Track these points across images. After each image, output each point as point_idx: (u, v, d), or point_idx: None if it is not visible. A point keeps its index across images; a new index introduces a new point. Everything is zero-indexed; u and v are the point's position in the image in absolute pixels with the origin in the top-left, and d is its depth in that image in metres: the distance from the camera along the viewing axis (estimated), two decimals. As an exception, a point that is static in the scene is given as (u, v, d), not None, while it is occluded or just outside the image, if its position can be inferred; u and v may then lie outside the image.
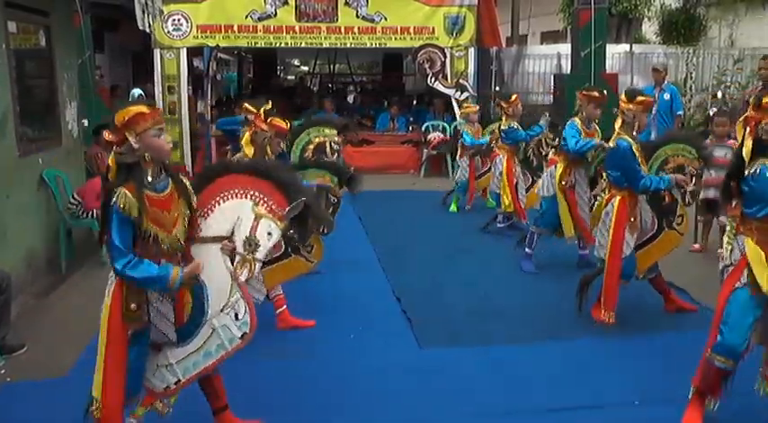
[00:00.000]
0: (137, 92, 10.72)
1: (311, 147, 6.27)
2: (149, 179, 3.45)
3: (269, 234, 3.60)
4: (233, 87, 20.96)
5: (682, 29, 19.21)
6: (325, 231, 5.47)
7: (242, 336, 3.63)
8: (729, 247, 4.19)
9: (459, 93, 13.64)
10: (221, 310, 3.60)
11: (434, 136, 13.90)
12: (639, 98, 5.56)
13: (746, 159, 3.93)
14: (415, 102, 17.62)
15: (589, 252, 7.19)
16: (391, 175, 13.61)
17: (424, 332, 5.65)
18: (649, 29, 21.25)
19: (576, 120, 6.79)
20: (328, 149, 6.29)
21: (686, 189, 5.71)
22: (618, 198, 5.60)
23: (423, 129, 14.38)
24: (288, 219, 3.65)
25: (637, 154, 5.47)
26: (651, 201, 5.76)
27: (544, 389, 4.73)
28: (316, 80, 22.88)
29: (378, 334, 5.67)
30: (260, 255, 3.61)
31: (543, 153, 8.32)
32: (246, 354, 4.38)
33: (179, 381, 3.66)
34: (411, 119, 15.50)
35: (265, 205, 3.64)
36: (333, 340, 5.52)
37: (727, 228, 4.36)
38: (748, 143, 3.92)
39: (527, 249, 7.34)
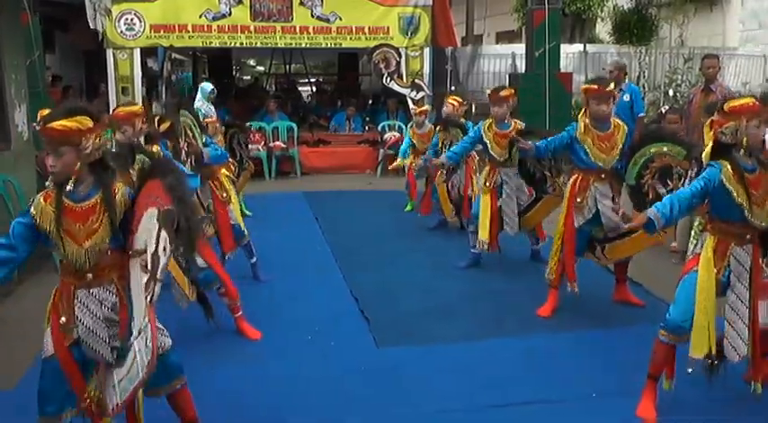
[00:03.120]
0: (208, 87, 10.55)
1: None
2: (69, 187, 3.24)
3: (164, 249, 3.20)
4: (188, 88, 20.79)
5: (634, 29, 19.46)
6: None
7: (147, 363, 3.37)
8: (695, 242, 4.37)
9: (414, 92, 13.69)
10: (139, 333, 3.27)
11: (390, 136, 13.91)
12: (583, 86, 5.90)
13: (704, 162, 4.09)
14: (370, 102, 17.63)
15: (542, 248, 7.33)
16: (348, 175, 13.60)
17: (382, 332, 5.63)
18: (603, 29, 21.49)
19: (484, 122, 7.00)
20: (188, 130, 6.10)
21: (674, 187, 5.72)
22: (573, 177, 5.87)
23: (379, 129, 14.38)
24: (171, 231, 3.22)
25: (580, 138, 5.71)
26: (632, 195, 5.77)
27: (502, 385, 4.74)
28: (271, 80, 22.79)
29: (335, 334, 5.64)
30: (159, 273, 3.20)
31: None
32: (194, 360, 4.34)
33: (118, 403, 3.38)
34: (367, 119, 15.50)
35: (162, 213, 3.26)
36: (289, 342, 5.47)
37: (696, 223, 4.50)
38: (708, 146, 4.06)
39: (472, 249, 7.36)
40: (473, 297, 6.54)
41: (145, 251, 3.16)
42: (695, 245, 4.33)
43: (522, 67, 14.86)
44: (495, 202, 7.02)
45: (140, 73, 12.95)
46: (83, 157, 3.22)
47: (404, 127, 14.04)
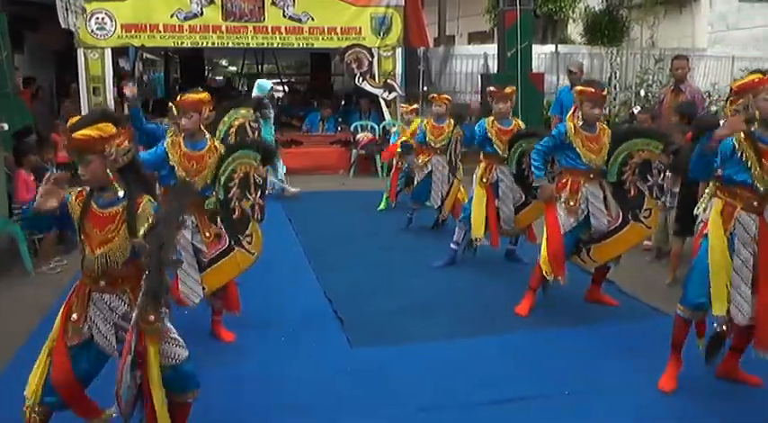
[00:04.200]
0: (267, 84, 10.46)
1: (233, 130, 6.15)
2: (97, 192, 3.32)
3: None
4: (160, 89, 20.66)
5: (605, 30, 19.59)
6: (260, 218, 5.30)
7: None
8: (703, 206, 4.51)
9: (387, 93, 13.70)
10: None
11: (363, 136, 13.90)
12: (578, 88, 5.91)
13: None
14: (343, 102, 17.60)
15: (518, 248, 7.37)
16: (321, 176, 13.56)
17: (356, 332, 5.63)
18: (574, 30, 21.61)
19: (487, 119, 7.06)
20: (248, 129, 6.17)
21: (654, 182, 5.77)
22: (562, 179, 5.91)
23: (351, 129, 14.36)
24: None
25: (570, 139, 5.73)
26: (615, 193, 5.83)
27: (475, 383, 4.75)
28: (244, 80, 22.70)
29: (309, 335, 5.62)
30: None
31: (457, 153, 8.20)
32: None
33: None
34: (340, 119, 15.48)
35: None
36: (263, 343, 5.45)
37: (707, 189, 4.58)
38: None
39: (452, 245, 7.40)
40: (447, 296, 6.55)
41: None
42: (704, 210, 4.48)
43: (494, 67, 14.90)
44: (492, 198, 7.04)
45: (112, 73, 12.83)
46: (109, 164, 3.26)
47: (376, 127, 14.06)
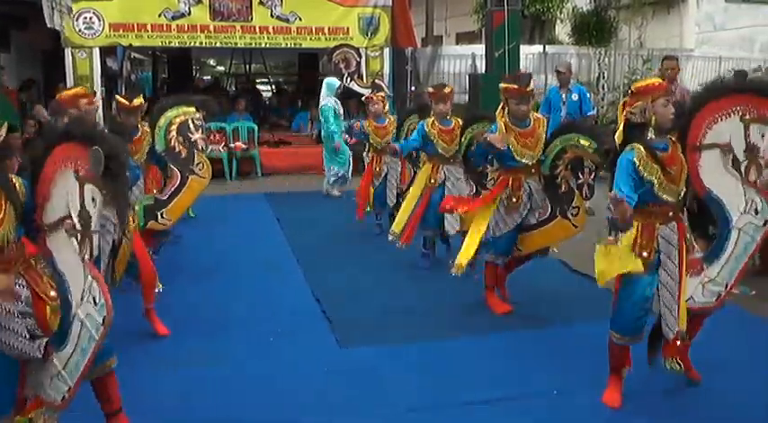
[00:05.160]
0: (335, 82, 10.80)
1: (173, 127, 6.24)
2: None
3: (93, 199, 3.25)
4: (148, 88, 20.57)
5: (593, 30, 19.64)
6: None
7: (103, 320, 3.31)
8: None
9: (374, 93, 13.66)
10: (82, 299, 3.29)
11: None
12: (502, 85, 5.84)
13: (617, 143, 4.26)
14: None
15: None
16: (309, 176, 13.54)
17: (344, 332, 5.62)
18: (562, 30, 21.67)
19: (426, 120, 7.04)
20: (191, 126, 6.26)
21: (585, 181, 5.75)
22: (501, 178, 5.94)
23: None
24: (97, 176, 3.24)
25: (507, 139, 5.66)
26: (546, 186, 5.80)
27: (464, 383, 4.75)
28: (231, 80, 22.64)
29: (297, 335, 5.61)
30: (94, 225, 3.27)
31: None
32: (153, 361, 4.29)
33: (69, 387, 3.37)
34: (328, 119, 15.43)
35: (82, 170, 3.27)
36: (251, 344, 5.43)
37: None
38: (620, 127, 4.23)
39: (423, 249, 7.43)
40: (434, 297, 6.54)
41: (68, 216, 3.23)
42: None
43: (482, 67, 14.92)
44: (426, 200, 7.04)
45: (99, 72, 12.79)
46: None
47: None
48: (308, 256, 7.85)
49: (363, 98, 9.17)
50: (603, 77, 16.45)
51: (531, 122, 5.79)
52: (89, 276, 3.30)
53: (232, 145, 13.42)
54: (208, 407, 4.42)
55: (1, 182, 3.28)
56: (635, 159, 4.07)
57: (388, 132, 8.48)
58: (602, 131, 6.23)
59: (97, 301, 3.30)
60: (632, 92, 4.27)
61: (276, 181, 13.03)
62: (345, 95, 15.09)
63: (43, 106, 13.83)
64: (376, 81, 13.62)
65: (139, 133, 6.16)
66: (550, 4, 19.49)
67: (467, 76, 15.43)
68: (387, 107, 8.66)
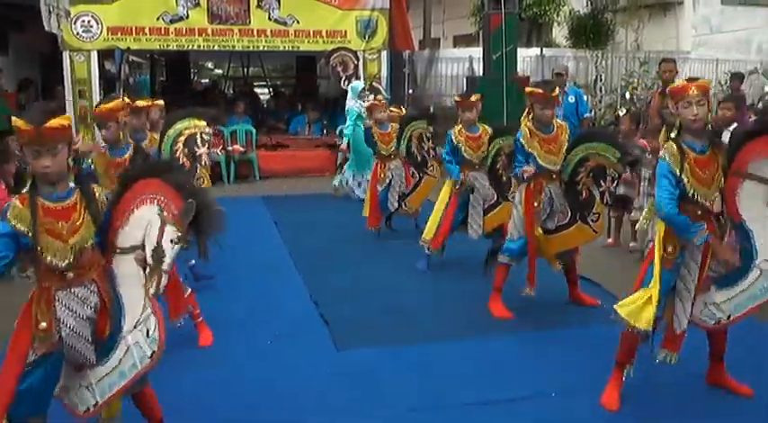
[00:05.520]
0: (359, 85, 10.83)
1: (181, 139, 6.24)
2: (45, 189, 3.32)
3: (172, 241, 3.34)
4: (146, 91, 20.52)
5: (590, 33, 19.72)
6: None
7: (151, 355, 3.42)
8: (645, 223, 4.71)
9: (372, 96, 13.67)
10: (135, 326, 3.40)
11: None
12: (527, 89, 5.97)
13: (662, 143, 4.37)
14: (329, 105, 17.57)
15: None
16: (307, 179, 13.56)
17: (342, 334, 5.62)
18: (559, 33, 21.72)
19: (454, 129, 7.05)
20: (199, 140, 6.26)
21: (606, 188, 5.79)
22: (523, 187, 5.89)
23: (337, 132, 14.35)
24: (184, 224, 3.38)
25: (527, 144, 5.76)
26: (567, 193, 5.84)
27: (461, 386, 4.76)
28: (229, 83, 22.64)
29: (295, 338, 5.62)
30: (166, 265, 3.34)
31: (425, 148, 8.24)
32: (160, 366, 4.28)
33: (97, 402, 3.46)
34: (326, 122, 15.47)
35: (168, 210, 3.38)
36: (249, 347, 5.44)
37: (645, 210, 4.72)
38: (662, 131, 4.43)
39: (432, 252, 7.41)
40: (433, 298, 6.57)
41: (140, 247, 3.34)
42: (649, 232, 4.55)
43: (479, 70, 14.95)
44: (453, 207, 7.06)
45: (98, 76, 12.79)
46: (71, 154, 3.32)
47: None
48: (306, 258, 7.85)
49: (367, 105, 9.18)
50: (601, 80, 16.50)
51: (555, 129, 5.86)
52: (148, 309, 3.40)
53: (230, 148, 13.41)
54: (207, 410, 4.43)
55: (83, 189, 3.40)
56: (667, 157, 4.14)
57: (392, 139, 8.53)
58: (627, 142, 6.31)
59: (150, 333, 3.39)
60: (669, 94, 4.37)
61: (274, 184, 13.04)
62: (344, 98, 15.15)
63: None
64: (373, 84, 13.64)
65: (147, 140, 6.07)
66: (547, 8, 19.56)
67: (464, 79, 15.45)
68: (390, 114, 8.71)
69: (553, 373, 4.93)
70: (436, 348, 5.38)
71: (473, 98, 7.04)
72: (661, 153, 4.20)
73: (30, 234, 3.25)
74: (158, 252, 3.31)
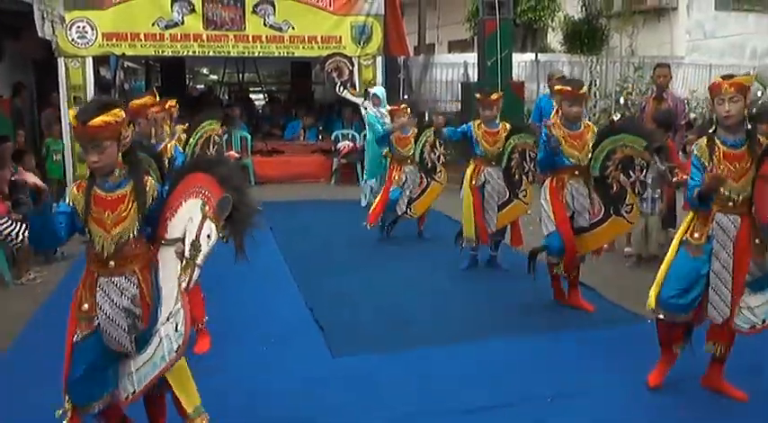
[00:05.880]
0: (382, 91, 10.89)
1: (201, 141, 6.34)
2: (101, 178, 3.42)
3: (208, 237, 3.34)
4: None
5: (585, 38, 19.72)
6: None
7: (177, 348, 3.41)
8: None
9: (368, 102, 13.71)
10: (168, 319, 3.42)
11: (344, 145, 13.92)
12: (557, 87, 6.27)
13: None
14: (324, 110, 17.59)
15: (480, 253, 7.54)
16: (302, 185, 13.57)
17: (337, 341, 5.62)
18: (554, 38, 21.74)
19: (473, 122, 7.25)
20: (210, 144, 6.36)
21: (636, 178, 5.84)
22: (546, 183, 6.10)
23: (332, 138, 14.37)
24: (221, 219, 3.37)
25: (559, 140, 5.88)
26: (598, 187, 5.92)
27: (458, 390, 4.76)
28: (225, 89, 22.66)
29: (290, 345, 5.62)
30: (200, 260, 3.36)
31: (436, 154, 8.56)
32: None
33: (135, 390, 3.51)
34: (321, 128, 15.49)
35: (210, 205, 3.37)
36: (244, 354, 5.43)
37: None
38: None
39: (470, 251, 7.53)
40: (428, 303, 6.57)
41: (181, 239, 3.37)
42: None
43: (474, 75, 14.95)
44: (479, 199, 7.17)
45: (93, 82, 12.78)
46: (121, 149, 3.40)
47: (357, 136, 14.08)
48: (301, 264, 7.86)
49: (388, 110, 9.22)
50: (595, 85, 16.50)
51: (582, 127, 6.05)
52: (180, 302, 3.40)
53: (225, 154, 13.40)
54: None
55: (136, 181, 3.46)
56: (696, 151, 4.28)
57: (410, 142, 8.61)
58: (651, 130, 6.41)
59: (179, 328, 3.39)
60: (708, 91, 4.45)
61: (269, 190, 13.02)
62: (340, 104, 15.19)
63: (36, 113, 13.86)
64: (368, 90, 13.67)
65: (163, 145, 5.91)
66: (542, 13, 19.59)
67: (459, 85, 15.46)
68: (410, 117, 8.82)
69: (550, 376, 4.94)
70: (432, 353, 5.38)
71: (494, 96, 7.23)
72: (692, 146, 4.38)
73: (82, 219, 3.40)
74: (195, 246, 3.33)
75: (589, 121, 13.24)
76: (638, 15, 19.85)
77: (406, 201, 8.61)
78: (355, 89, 13.82)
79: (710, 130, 4.30)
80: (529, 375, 4.99)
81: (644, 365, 4.67)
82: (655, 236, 7.46)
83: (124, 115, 3.38)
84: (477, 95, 7.39)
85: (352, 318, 6.18)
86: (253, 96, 21.98)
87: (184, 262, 3.36)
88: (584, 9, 20.50)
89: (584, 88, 6.16)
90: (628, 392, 4.53)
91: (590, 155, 5.88)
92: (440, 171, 8.57)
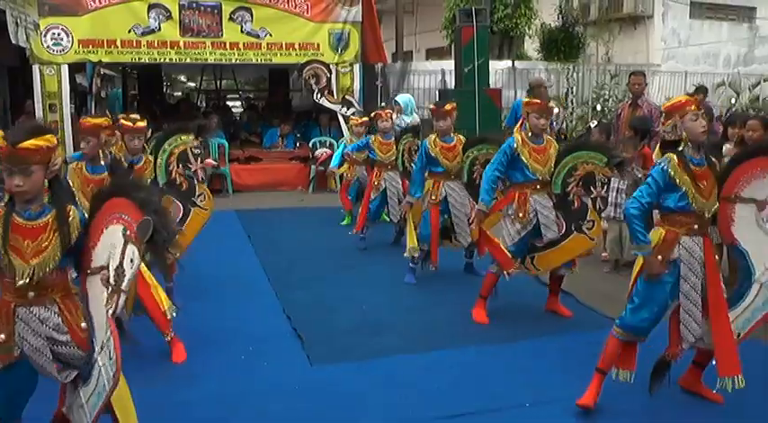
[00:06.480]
0: (406, 97, 10.88)
1: (173, 158, 6.26)
2: (21, 205, 3.29)
3: (131, 261, 3.21)
4: (118, 105, 20.38)
5: (561, 46, 19.88)
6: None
7: (113, 375, 3.27)
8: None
9: (345, 108, 13.73)
10: (102, 348, 3.31)
11: (322, 152, 13.90)
12: (524, 99, 6.27)
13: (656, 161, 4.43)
14: (301, 117, 17.57)
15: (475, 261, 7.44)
16: (280, 192, 13.54)
17: (315, 349, 5.59)
18: (530, 46, 21.88)
19: (429, 138, 7.11)
20: (191, 156, 6.29)
21: (597, 195, 5.88)
22: (509, 192, 6.08)
23: (310, 145, 14.36)
24: (142, 242, 3.25)
25: (519, 151, 5.87)
26: (559, 204, 5.94)
27: (436, 398, 4.75)
28: (202, 96, 22.58)
29: (268, 353, 5.57)
30: (125, 285, 3.22)
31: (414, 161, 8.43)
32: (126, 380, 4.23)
33: (88, 422, 3.38)
34: (299, 135, 15.47)
35: (131, 230, 3.25)
36: (222, 363, 5.38)
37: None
38: (657, 146, 4.55)
39: (410, 264, 7.43)
40: (406, 311, 6.56)
41: (106, 267, 3.23)
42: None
43: (451, 82, 15.01)
44: (436, 216, 7.09)
45: (69, 89, 12.70)
46: (48, 175, 3.29)
47: (335, 142, 14.07)
48: (280, 273, 7.82)
49: (372, 114, 9.23)
50: (572, 93, 16.63)
51: (545, 141, 5.99)
52: (109, 330, 3.29)
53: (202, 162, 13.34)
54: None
55: (58, 211, 3.34)
56: (669, 168, 4.22)
57: (391, 148, 8.57)
58: (610, 146, 6.46)
59: (111, 355, 3.29)
60: (663, 112, 4.47)
61: (247, 198, 13.00)
62: (317, 111, 15.18)
63: (10, 122, 13.74)
64: (346, 97, 13.69)
65: (143, 162, 6.06)
66: (519, 21, 19.68)
67: (436, 92, 15.51)
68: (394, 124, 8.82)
69: (528, 383, 4.94)
70: (411, 361, 5.38)
71: (447, 107, 7.06)
72: (660, 161, 4.29)
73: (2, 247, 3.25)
74: (119, 272, 3.22)
75: (566, 127, 13.42)
76: (614, 23, 20.06)
77: (396, 207, 8.56)
78: (333, 96, 13.82)
79: (680, 149, 4.28)
80: (506, 382, 4.99)
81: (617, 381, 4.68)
82: (629, 243, 7.49)
83: (56, 142, 3.28)
84: (431, 106, 7.35)
85: (330, 326, 6.16)
86: (230, 103, 21.94)
87: (110, 289, 3.24)
88: (560, 17, 20.66)
89: (553, 103, 6.25)
90: (607, 399, 4.54)
91: (552, 169, 5.93)
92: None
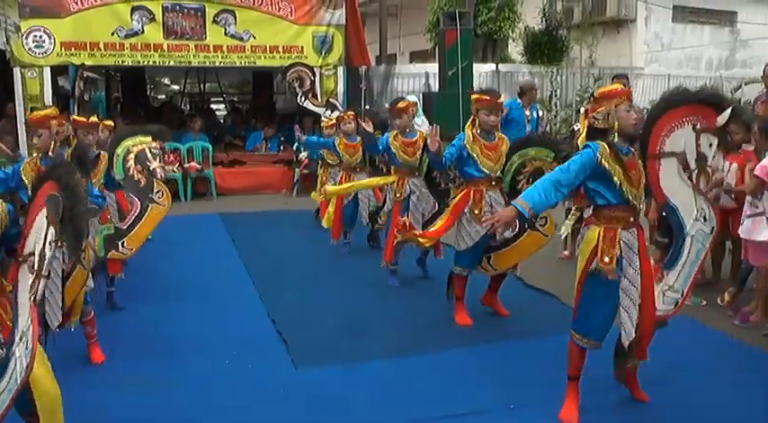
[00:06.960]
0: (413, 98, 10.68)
1: (131, 156, 6.29)
2: None
3: (50, 244, 3.16)
4: (101, 108, 20.28)
5: (545, 49, 19.95)
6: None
7: (26, 366, 3.09)
8: (565, 230, 4.59)
9: (329, 111, 13.69)
10: (20, 339, 3.16)
11: (305, 155, 13.86)
12: (474, 96, 6.11)
13: (580, 147, 4.41)
14: (285, 120, 17.53)
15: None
16: (263, 196, 13.51)
17: (300, 353, 5.58)
18: (514, 49, 21.95)
19: (390, 133, 7.16)
20: (149, 155, 6.32)
21: None
22: (463, 189, 6.04)
23: (294, 148, 14.33)
24: (55, 222, 3.17)
25: (469, 147, 5.88)
26: (509, 202, 5.89)
27: (420, 400, 4.75)
28: (186, 99, 22.51)
29: (253, 357, 5.55)
30: (44, 270, 3.16)
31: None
32: (106, 385, 4.21)
33: None
34: (282, 138, 15.44)
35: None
36: (206, 366, 5.36)
37: (568, 221, 4.93)
38: (583, 132, 4.26)
39: (390, 266, 7.42)
40: (390, 314, 6.55)
41: (33, 253, 3.17)
42: (577, 244, 4.52)
43: (435, 85, 15.04)
44: (398, 214, 7.06)
45: (51, 92, 12.61)
46: None
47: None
48: (264, 276, 7.80)
49: (336, 117, 9.21)
50: (556, 95, 16.71)
51: (497, 138, 5.98)
52: (30, 318, 3.17)
53: (186, 165, 13.33)
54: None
55: None
56: (597, 153, 4.13)
57: (357, 150, 8.53)
58: (556, 139, 6.41)
59: (28, 345, 3.15)
60: (595, 97, 4.37)
61: (231, 201, 12.97)
62: (301, 114, 15.15)
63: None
64: (330, 100, 13.67)
65: (98, 157, 6.17)
66: (502, 24, 19.76)
67: (420, 95, 15.53)
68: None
69: (510, 385, 4.95)
70: (394, 364, 5.37)
71: (401, 105, 7.11)
72: (591, 145, 4.20)
73: None
74: (42, 255, 3.15)
75: (550, 130, 13.45)
76: (598, 27, 20.17)
77: (366, 212, 8.55)
78: (317, 99, 13.80)
79: (611, 138, 4.22)
80: (490, 384, 4.99)
81: (606, 370, 4.68)
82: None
83: None
84: (388, 106, 7.40)
85: (314, 329, 6.15)
86: (214, 106, 21.87)
87: (34, 275, 3.17)
88: (544, 20, 20.74)
89: (502, 98, 6.11)
90: (590, 399, 4.54)
91: (503, 166, 5.96)
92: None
